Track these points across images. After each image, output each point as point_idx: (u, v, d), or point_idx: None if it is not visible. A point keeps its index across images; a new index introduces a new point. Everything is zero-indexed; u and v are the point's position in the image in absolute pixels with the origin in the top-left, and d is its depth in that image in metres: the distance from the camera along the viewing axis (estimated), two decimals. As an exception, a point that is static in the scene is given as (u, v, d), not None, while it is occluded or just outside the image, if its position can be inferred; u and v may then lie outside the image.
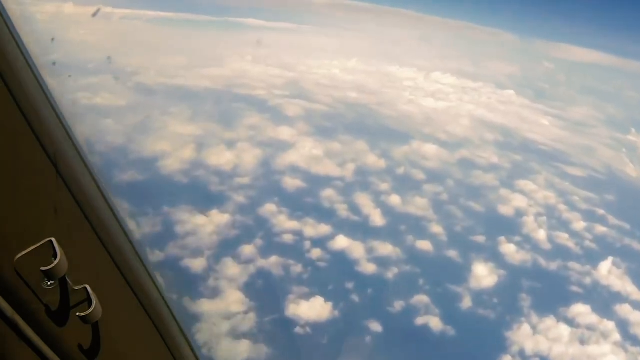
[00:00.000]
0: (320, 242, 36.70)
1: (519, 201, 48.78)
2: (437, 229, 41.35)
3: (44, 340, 2.04)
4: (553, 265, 40.28)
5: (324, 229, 37.90)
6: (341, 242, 36.87)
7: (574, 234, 45.32)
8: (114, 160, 33.71)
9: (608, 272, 40.74)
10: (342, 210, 41.01)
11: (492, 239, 41.46)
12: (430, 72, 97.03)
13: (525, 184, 52.61)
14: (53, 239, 1.86)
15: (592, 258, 42.23)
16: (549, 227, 45.41)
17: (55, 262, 1.83)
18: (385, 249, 37.25)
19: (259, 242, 35.17)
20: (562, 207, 49.80)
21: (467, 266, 37.86)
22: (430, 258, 37.95)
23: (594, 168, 63.76)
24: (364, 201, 42.83)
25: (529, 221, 45.53)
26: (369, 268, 35.18)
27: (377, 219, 40.98)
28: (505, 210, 46.93)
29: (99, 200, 2.11)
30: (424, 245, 39.04)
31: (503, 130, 71.54)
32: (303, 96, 65.35)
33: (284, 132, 52.94)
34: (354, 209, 41.62)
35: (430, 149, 56.94)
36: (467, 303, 34.21)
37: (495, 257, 39.40)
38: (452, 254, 38.88)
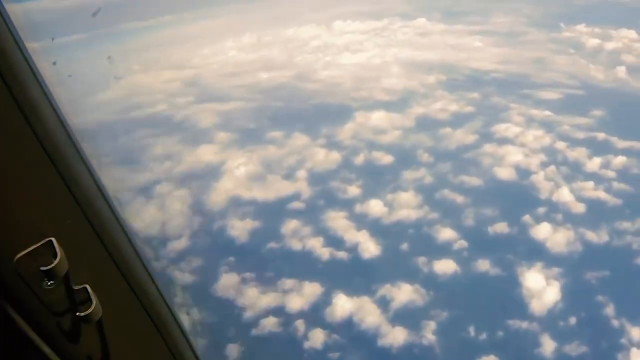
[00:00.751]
0: (315, 314, 26.39)
1: (513, 154, 39.55)
2: (446, 232, 31.51)
3: (44, 339, 2.01)
4: (603, 235, 31.17)
5: (311, 289, 27.51)
6: (342, 305, 26.42)
7: (596, 179, 36.60)
8: None
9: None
10: (320, 249, 30.55)
11: (515, 223, 32.05)
12: (330, 23, 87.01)
13: (505, 129, 43.43)
14: (53, 239, 1.86)
15: (634, 204, 33.59)
16: (565, 179, 36.43)
17: (55, 262, 1.84)
18: (402, 293, 27.16)
19: (233, 350, 24.71)
20: (560, 145, 40.90)
21: (513, 278, 28.15)
22: (463, 284, 28.05)
23: (560, 82, 55.17)
24: (339, 223, 32.59)
25: (540, 179, 36.43)
26: (397, 336, 24.96)
27: (369, 245, 30.66)
28: (505, 173, 37.52)
29: (99, 200, 2.09)
30: (445, 266, 28.98)
31: (441, 66, 62.05)
32: (211, 96, 54.39)
33: (206, 153, 41.97)
34: (333, 240, 31.26)
35: (378, 117, 47.06)
36: (548, 345, 24.47)
37: (536, 252, 29.97)
38: (484, 265, 28.99)
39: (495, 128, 43.66)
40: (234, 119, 48.32)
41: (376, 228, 32.14)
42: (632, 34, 68.88)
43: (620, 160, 38.21)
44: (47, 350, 2.02)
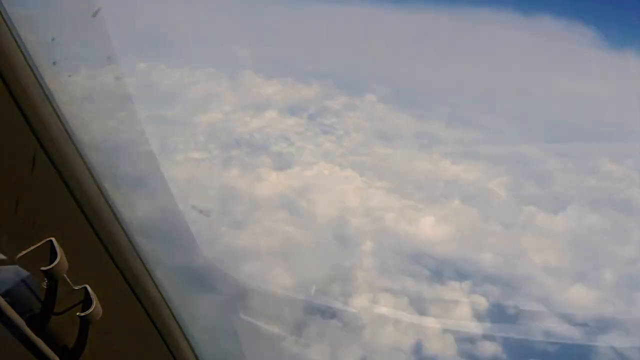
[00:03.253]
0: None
1: None
2: None
3: (44, 340, 2.01)
4: None
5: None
6: None
7: None
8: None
9: None
10: None
11: None
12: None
13: None
14: (53, 239, 1.86)
15: None
16: None
17: (55, 262, 1.83)
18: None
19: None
20: None
21: None
22: None
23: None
24: None
25: None
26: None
27: None
28: None
29: (99, 200, 2.08)
30: None
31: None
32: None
33: None
34: None
35: None
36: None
37: None
38: None
39: None
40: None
41: None
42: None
43: None
44: (47, 350, 2.00)
